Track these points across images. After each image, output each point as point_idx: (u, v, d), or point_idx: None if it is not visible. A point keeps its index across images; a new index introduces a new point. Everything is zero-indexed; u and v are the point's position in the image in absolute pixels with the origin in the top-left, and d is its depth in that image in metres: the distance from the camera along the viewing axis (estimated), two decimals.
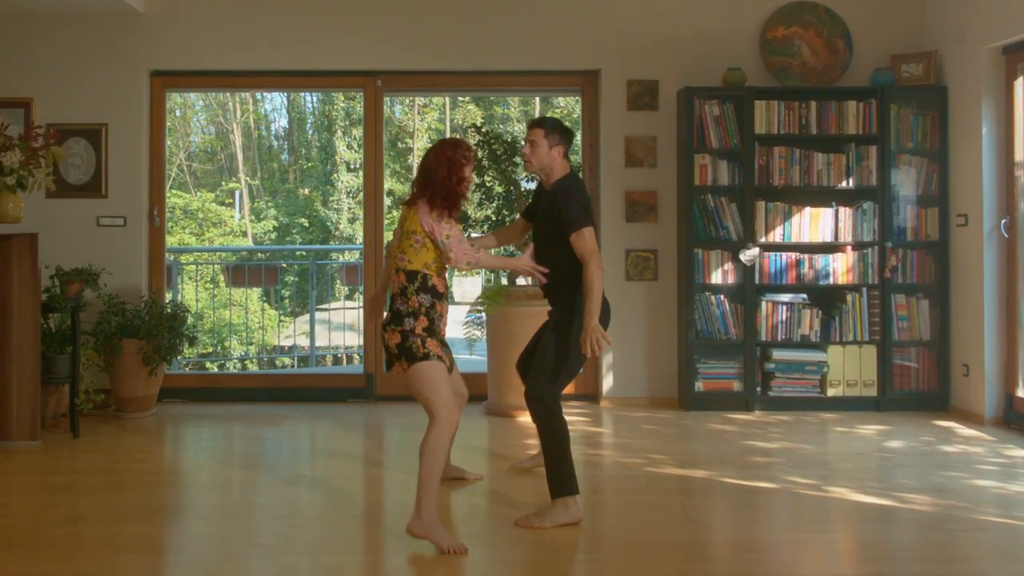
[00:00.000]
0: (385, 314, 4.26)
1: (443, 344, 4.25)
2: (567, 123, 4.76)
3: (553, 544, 4.04)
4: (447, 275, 4.28)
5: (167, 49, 7.12)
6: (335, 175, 18.46)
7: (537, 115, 19.24)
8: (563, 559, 3.96)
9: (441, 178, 4.13)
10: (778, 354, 6.83)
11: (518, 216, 5.28)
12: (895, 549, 4.08)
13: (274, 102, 20.98)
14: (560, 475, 4.29)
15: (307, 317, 12.29)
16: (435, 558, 3.88)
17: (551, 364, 4.39)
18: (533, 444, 5.56)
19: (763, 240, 6.83)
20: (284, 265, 12.80)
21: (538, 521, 4.23)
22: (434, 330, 4.13)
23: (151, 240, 7.19)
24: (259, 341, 13.57)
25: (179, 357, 7.54)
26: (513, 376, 5.45)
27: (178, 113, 19.12)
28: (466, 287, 16.06)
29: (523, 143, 4.61)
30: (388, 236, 6.50)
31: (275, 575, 3.76)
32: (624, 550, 3.99)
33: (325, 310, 13.57)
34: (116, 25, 7.05)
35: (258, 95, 19.58)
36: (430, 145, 4.82)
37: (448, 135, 18.79)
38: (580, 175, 6.63)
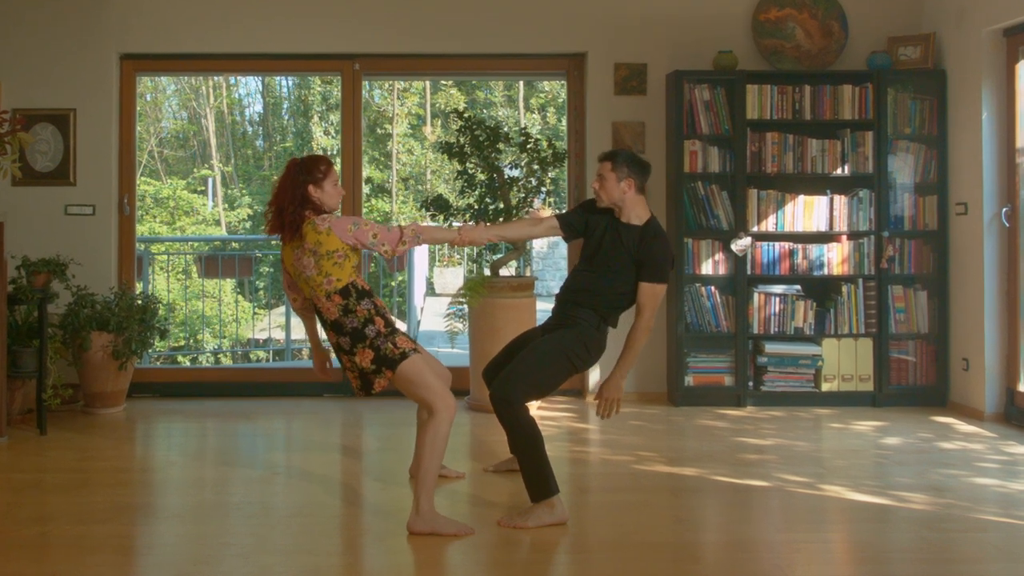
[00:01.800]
0: (337, 341, 4.16)
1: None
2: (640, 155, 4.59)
3: (537, 545, 3.96)
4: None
5: (137, 31, 6.97)
6: None
7: (522, 101, 19.18)
8: (547, 560, 3.89)
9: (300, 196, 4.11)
10: (771, 347, 6.73)
11: (543, 213, 5.16)
12: (892, 549, 3.99)
13: (248, 86, 20.92)
14: (539, 478, 4.16)
15: (282, 309, 12.13)
16: (415, 558, 3.82)
17: (534, 371, 4.28)
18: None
19: (755, 229, 6.73)
20: (259, 255, 12.59)
21: (522, 521, 4.11)
22: (391, 324, 4.16)
23: (121, 229, 7.07)
24: (233, 334, 13.50)
25: (150, 351, 7.51)
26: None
27: (149, 98, 18.99)
28: (447, 278, 15.94)
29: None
30: None
31: None
32: (611, 550, 3.92)
33: None
34: (85, 6, 6.91)
35: (232, 79, 19.48)
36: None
37: (429, 120, 18.71)
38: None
